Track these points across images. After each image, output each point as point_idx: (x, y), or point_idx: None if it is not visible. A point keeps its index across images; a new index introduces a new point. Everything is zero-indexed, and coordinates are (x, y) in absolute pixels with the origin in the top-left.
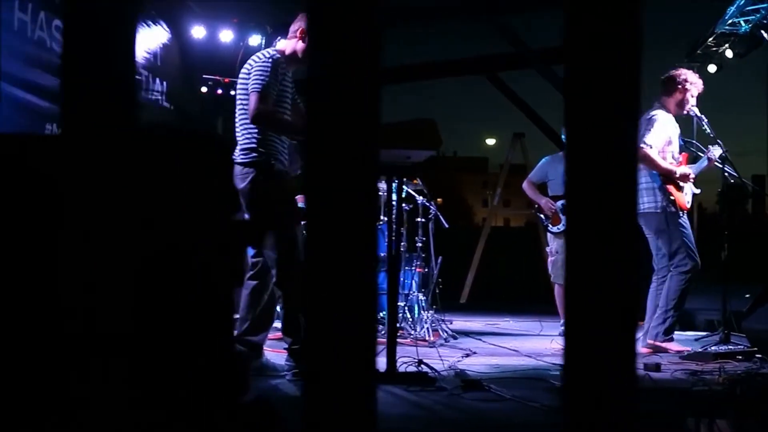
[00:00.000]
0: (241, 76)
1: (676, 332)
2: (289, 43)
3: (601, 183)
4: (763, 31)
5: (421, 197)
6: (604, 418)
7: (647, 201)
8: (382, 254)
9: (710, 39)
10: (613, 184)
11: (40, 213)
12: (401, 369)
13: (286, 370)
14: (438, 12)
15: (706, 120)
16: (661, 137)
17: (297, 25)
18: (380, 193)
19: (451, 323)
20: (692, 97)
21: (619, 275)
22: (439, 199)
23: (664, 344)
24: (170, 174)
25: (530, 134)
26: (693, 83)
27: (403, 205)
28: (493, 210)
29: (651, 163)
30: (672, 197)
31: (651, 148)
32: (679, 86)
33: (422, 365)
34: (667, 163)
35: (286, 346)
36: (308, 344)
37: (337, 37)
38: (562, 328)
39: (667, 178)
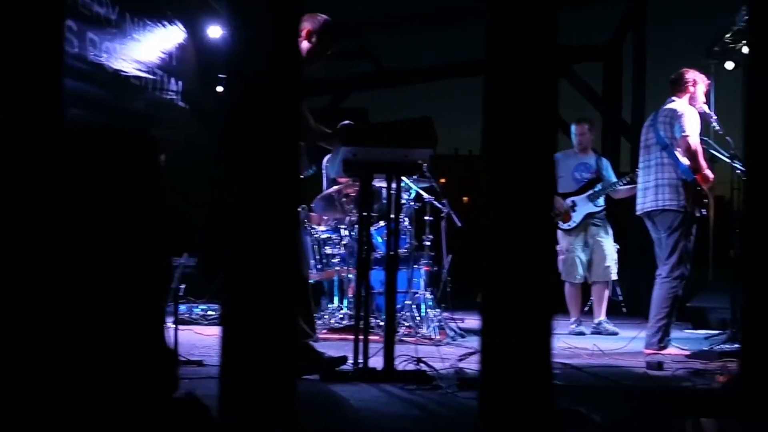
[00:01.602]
0: None
1: (687, 331)
2: None
3: (518, 187)
4: None
5: (429, 196)
6: (517, 409)
7: (669, 198)
8: (382, 253)
9: (727, 36)
10: (529, 187)
11: None
12: (400, 367)
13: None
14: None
15: (715, 117)
16: (696, 127)
17: (302, 26)
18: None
19: (462, 322)
20: (701, 94)
21: (532, 274)
22: (464, 198)
23: (660, 352)
24: (94, 170)
25: None
26: (700, 81)
27: (413, 203)
28: None
29: (697, 155)
30: (704, 194)
31: (691, 137)
32: (687, 85)
33: (421, 364)
34: (702, 159)
35: None
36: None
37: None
38: (572, 326)
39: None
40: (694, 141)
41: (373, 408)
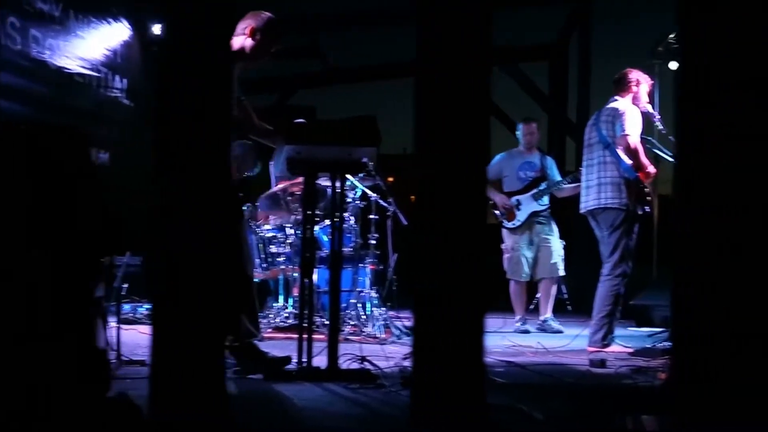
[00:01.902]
0: None
1: (631, 328)
2: (237, 40)
3: (449, 186)
4: None
5: (375, 194)
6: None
7: (611, 196)
8: (327, 252)
9: (671, 36)
10: (460, 186)
11: None
12: (345, 366)
13: (226, 368)
14: (408, 12)
15: (658, 117)
16: (637, 126)
17: (245, 23)
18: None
19: (408, 320)
20: (644, 94)
21: (463, 271)
22: (412, 197)
23: (603, 350)
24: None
25: (494, 129)
26: (644, 81)
27: (358, 202)
28: None
29: (638, 154)
30: (647, 192)
31: (631, 136)
32: (630, 85)
33: (365, 362)
34: (644, 156)
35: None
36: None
37: None
38: (517, 324)
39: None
40: (634, 140)
41: (316, 407)
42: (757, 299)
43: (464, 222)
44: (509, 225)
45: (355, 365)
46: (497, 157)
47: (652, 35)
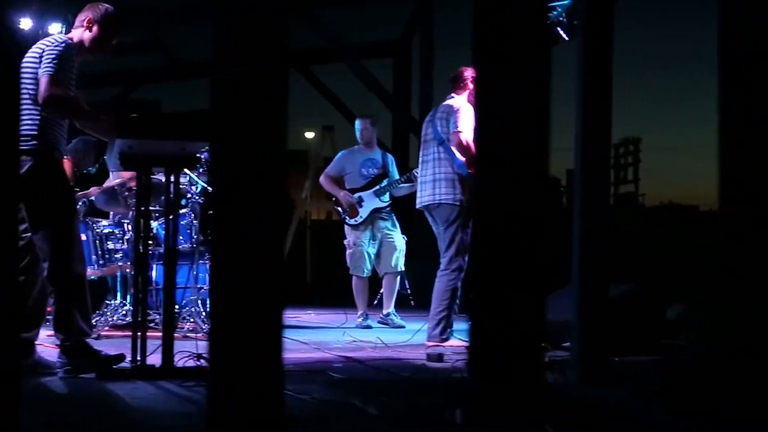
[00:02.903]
0: (28, 59)
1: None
2: (77, 32)
3: (245, 184)
4: (559, 29)
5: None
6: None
7: (445, 192)
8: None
9: None
10: (255, 185)
11: None
12: (181, 364)
13: (58, 368)
14: None
15: None
16: (470, 123)
17: (84, 15)
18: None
19: None
20: None
21: (259, 268)
22: None
23: (441, 344)
24: None
25: (341, 127)
26: None
27: (198, 197)
28: (303, 204)
29: (470, 150)
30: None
31: (463, 133)
32: (466, 83)
33: (202, 360)
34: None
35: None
36: None
37: None
38: (359, 320)
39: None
40: (466, 136)
41: (148, 406)
42: (526, 302)
43: (261, 219)
44: (351, 221)
45: (191, 362)
46: (339, 155)
47: None
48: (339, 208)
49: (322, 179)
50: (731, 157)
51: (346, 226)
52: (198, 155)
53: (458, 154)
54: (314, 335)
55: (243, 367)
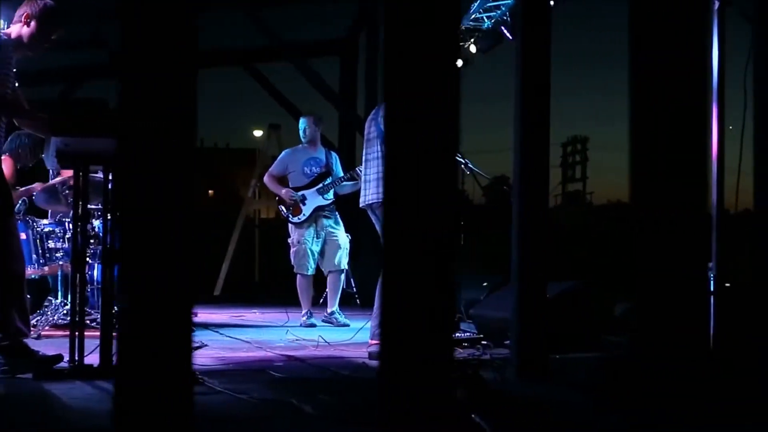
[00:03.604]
0: None
1: None
2: (15, 28)
3: (149, 184)
4: (503, 28)
5: None
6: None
7: (382, 192)
8: None
9: (462, 27)
10: (160, 185)
11: None
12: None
13: None
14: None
15: None
16: None
17: (23, 10)
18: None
19: (196, 316)
20: None
21: (162, 266)
22: (210, 191)
23: None
24: None
25: (289, 126)
26: None
27: None
28: (250, 202)
29: None
30: None
31: None
32: None
33: None
34: None
35: None
36: None
37: None
38: (303, 318)
39: None
40: None
41: (85, 405)
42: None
43: (169, 218)
44: (295, 220)
45: None
46: (283, 153)
47: None
48: (282, 207)
49: (265, 178)
50: (641, 153)
51: (289, 225)
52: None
53: None
54: (257, 334)
55: (148, 367)
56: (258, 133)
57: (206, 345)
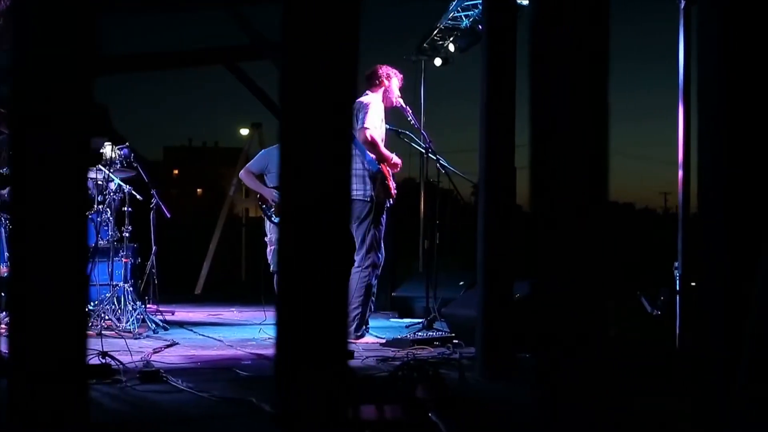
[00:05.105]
0: None
1: (393, 319)
2: None
3: (37, 185)
4: (481, 26)
5: (129, 186)
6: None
7: (356, 188)
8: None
9: (435, 33)
10: (49, 186)
11: None
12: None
13: None
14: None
15: (410, 111)
16: (376, 120)
17: None
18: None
19: (173, 314)
20: (396, 88)
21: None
22: (198, 190)
23: (356, 341)
24: None
25: (271, 124)
26: (394, 76)
27: (113, 194)
28: (230, 200)
29: (377, 146)
30: (387, 183)
31: (370, 129)
32: (381, 80)
33: (106, 357)
34: (385, 149)
35: None
36: None
37: None
38: None
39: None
40: (372, 133)
41: None
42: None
43: (54, 215)
44: (276, 220)
45: (96, 360)
46: (263, 152)
47: (419, 31)
48: (263, 205)
49: (242, 174)
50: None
51: (267, 224)
52: (100, 152)
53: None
54: (231, 333)
55: (40, 365)
56: (245, 131)
57: (177, 343)
